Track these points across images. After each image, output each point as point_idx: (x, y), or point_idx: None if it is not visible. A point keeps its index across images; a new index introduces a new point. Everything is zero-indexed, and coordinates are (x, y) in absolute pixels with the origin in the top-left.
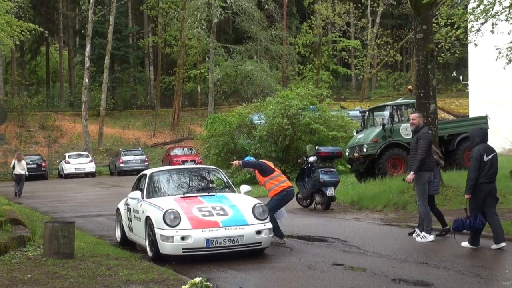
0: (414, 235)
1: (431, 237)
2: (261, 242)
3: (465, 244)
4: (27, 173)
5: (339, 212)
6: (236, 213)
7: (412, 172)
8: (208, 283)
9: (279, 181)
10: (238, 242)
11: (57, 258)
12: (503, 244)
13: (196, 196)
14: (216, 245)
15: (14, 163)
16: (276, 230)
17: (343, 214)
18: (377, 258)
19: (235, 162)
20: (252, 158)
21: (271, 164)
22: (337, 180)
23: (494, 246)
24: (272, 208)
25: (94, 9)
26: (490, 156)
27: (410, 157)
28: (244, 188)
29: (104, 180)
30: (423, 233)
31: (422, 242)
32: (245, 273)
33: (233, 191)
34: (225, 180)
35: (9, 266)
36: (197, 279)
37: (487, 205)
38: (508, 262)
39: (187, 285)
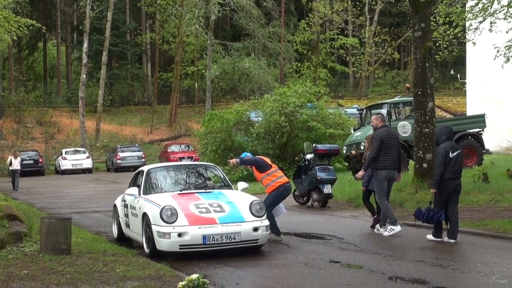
0: (377, 230)
1: (398, 228)
2: (258, 239)
3: (430, 236)
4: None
5: (336, 209)
6: (233, 210)
7: (362, 169)
8: (205, 279)
9: (276, 176)
10: (235, 239)
11: (54, 254)
12: (453, 241)
13: (193, 193)
14: (213, 242)
15: (11, 159)
16: (273, 227)
17: (340, 211)
18: (374, 256)
19: (233, 161)
20: (248, 154)
21: (268, 160)
22: (334, 177)
23: (445, 239)
24: (270, 204)
25: (91, 5)
26: (455, 153)
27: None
28: (241, 185)
29: (101, 176)
30: (390, 227)
31: (389, 235)
32: (242, 270)
33: (230, 188)
34: (222, 177)
35: (6, 261)
36: (194, 276)
37: (451, 200)
38: (505, 261)
39: (183, 282)
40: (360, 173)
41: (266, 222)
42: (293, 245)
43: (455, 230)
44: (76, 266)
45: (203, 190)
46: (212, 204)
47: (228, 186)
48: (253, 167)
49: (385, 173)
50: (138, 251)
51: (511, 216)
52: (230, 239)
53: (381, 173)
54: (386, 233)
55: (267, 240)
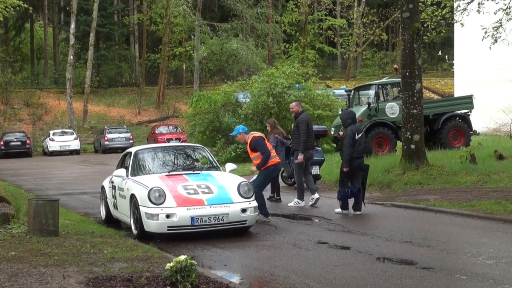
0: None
1: (302, 203)
2: (246, 220)
3: (338, 210)
4: None
5: (324, 190)
6: (221, 191)
7: (300, 153)
8: (193, 261)
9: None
10: (223, 220)
11: (42, 235)
12: (358, 212)
13: (181, 174)
14: (201, 223)
15: None
16: (261, 208)
17: (328, 192)
18: (362, 237)
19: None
20: (241, 129)
21: (265, 139)
22: (322, 159)
23: (351, 212)
24: (259, 184)
25: None
26: (359, 135)
27: (293, 140)
28: (229, 166)
29: (89, 157)
30: (296, 200)
31: (294, 206)
32: (229, 251)
33: (218, 170)
34: (210, 158)
35: None
36: (182, 257)
37: (356, 177)
38: (492, 241)
39: (171, 263)
40: (300, 157)
41: (254, 203)
42: (281, 226)
43: (360, 203)
44: (63, 248)
45: (191, 172)
46: (200, 185)
47: (216, 168)
48: (249, 147)
49: (310, 152)
50: (126, 233)
51: (498, 197)
52: (218, 220)
53: (308, 153)
54: (291, 204)
55: (255, 222)
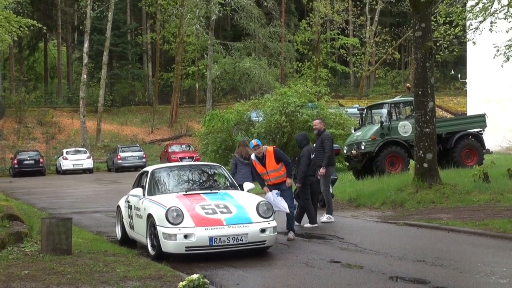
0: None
1: (333, 218)
2: (265, 241)
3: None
4: None
5: (336, 209)
6: (240, 211)
7: (323, 167)
8: (205, 279)
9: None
10: (242, 240)
11: (55, 254)
12: (316, 225)
13: (199, 194)
14: (220, 244)
15: None
16: (313, 217)
17: (340, 211)
18: (375, 256)
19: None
20: (257, 141)
21: None
22: (335, 177)
23: (307, 225)
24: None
25: (92, 5)
26: (313, 155)
27: (317, 156)
28: (247, 185)
29: (102, 176)
30: (328, 215)
31: (328, 222)
32: (242, 270)
33: (236, 189)
34: (227, 177)
35: (6, 262)
36: (194, 276)
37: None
38: (505, 260)
39: (184, 282)
40: (322, 170)
41: (274, 223)
42: (294, 245)
43: (314, 216)
44: (76, 266)
45: (209, 191)
46: (219, 205)
47: (233, 187)
48: (273, 158)
49: (332, 168)
50: (138, 251)
51: None
52: (237, 240)
53: (329, 169)
54: (324, 219)
55: (274, 242)
